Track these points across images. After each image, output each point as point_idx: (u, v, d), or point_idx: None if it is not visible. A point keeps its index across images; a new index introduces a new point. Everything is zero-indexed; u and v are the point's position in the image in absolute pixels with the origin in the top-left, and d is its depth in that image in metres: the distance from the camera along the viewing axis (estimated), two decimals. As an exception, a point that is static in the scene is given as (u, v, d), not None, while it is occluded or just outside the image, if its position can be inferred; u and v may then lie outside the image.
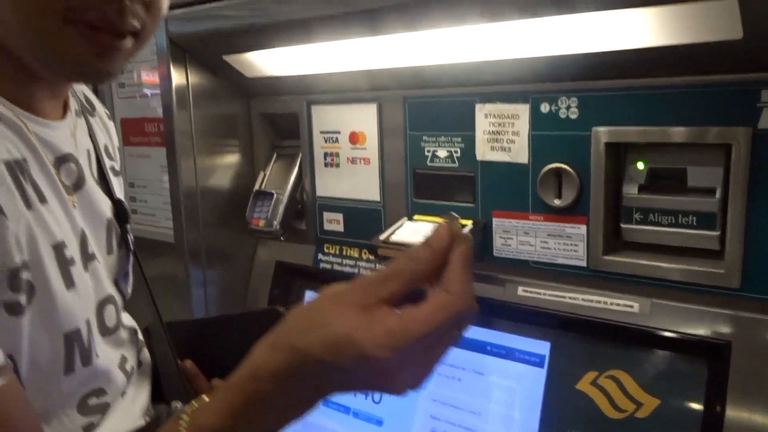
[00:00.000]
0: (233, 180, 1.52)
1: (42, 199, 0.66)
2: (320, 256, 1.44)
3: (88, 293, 0.72)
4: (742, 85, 0.89)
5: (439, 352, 0.58)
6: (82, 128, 0.83)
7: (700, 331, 0.96)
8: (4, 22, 0.62)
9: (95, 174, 0.83)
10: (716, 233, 0.96)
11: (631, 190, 1.03)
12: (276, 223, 1.41)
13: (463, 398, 1.18)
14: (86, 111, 0.89)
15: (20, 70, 0.67)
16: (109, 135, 0.95)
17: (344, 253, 1.40)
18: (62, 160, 0.73)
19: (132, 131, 1.95)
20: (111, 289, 0.79)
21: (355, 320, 0.54)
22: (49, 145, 0.71)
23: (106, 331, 0.76)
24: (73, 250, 0.70)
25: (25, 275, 0.60)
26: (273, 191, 1.44)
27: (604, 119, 1.01)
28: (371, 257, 1.35)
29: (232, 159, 1.52)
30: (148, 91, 1.86)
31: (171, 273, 1.46)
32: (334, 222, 1.41)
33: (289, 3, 1.10)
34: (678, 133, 0.96)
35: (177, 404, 0.81)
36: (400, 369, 0.55)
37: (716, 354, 0.93)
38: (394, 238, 1.19)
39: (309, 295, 1.44)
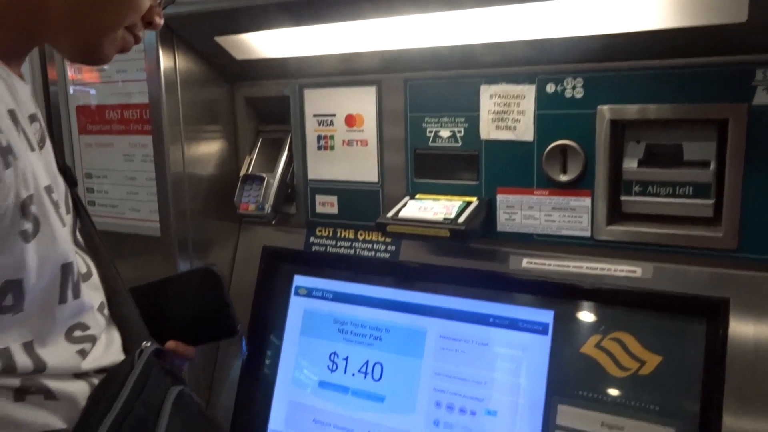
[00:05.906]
0: (216, 167, 1.49)
1: (31, 147, 0.73)
2: (312, 239, 1.44)
3: (69, 235, 0.79)
4: (739, 65, 0.98)
5: None
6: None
7: (700, 290, 1.04)
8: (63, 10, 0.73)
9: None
10: (711, 201, 1.05)
11: (630, 164, 1.11)
12: (268, 206, 1.40)
13: (467, 370, 1.22)
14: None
15: (27, 41, 0.78)
16: None
17: (339, 235, 1.41)
18: (32, 118, 0.78)
19: (89, 119, 1.86)
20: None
21: None
22: (24, 103, 0.75)
23: (82, 277, 0.81)
24: (57, 196, 0.75)
25: (32, 208, 0.68)
26: (263, 174, 1.43)
27: (608, 98, 1.08)
28: (368, 238, 1.37)
29: (215, 145, 1.49)
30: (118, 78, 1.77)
31: (147, 267, 1.42)
32: (327, 205, 1.42)
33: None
34: (675, 110, 1.04)
35: (146, 343, 0.84)
36: None
37: (716, 311, 1.02)
38: (403, 214, 1.21)
39: (298, 280, 1.44)
